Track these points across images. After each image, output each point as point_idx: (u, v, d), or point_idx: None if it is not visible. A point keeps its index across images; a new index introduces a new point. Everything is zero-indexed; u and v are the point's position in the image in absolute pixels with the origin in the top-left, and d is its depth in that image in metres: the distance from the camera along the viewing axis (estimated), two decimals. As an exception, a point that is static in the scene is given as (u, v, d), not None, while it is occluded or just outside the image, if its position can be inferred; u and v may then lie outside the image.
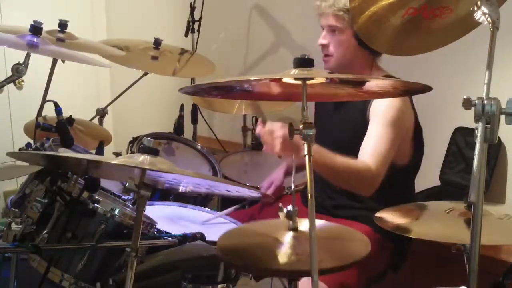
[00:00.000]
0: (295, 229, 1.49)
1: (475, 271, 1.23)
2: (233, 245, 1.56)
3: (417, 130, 2.09)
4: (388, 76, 2.08)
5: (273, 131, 1.71)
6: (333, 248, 1.52)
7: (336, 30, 2.05)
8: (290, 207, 1.49)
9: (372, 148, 1.93)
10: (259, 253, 1.48)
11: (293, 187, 1.62)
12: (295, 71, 1.34)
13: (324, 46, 2.08)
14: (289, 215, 1.49)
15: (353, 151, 1.98)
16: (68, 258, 1.60)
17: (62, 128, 1.96)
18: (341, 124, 2.12)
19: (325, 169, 1.80)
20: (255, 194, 1.91)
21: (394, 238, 2.04)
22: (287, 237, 1.48)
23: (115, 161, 1.35)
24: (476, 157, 1.13)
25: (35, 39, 1.84)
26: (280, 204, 1.51)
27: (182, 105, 2.95)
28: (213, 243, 1.68)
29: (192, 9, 3.34)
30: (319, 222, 1.52)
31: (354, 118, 2.06)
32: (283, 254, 1.42)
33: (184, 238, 1.67)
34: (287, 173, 2.41)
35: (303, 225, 1.50)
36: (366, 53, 2.06)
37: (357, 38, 2.01)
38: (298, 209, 1.49)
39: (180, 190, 2.10)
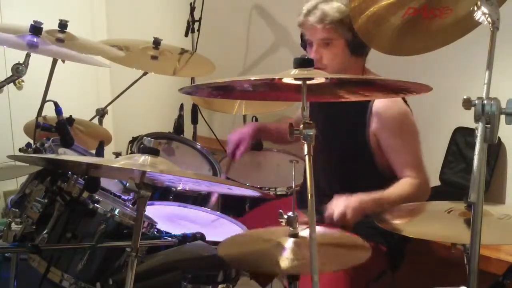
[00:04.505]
0: (295, 235, 1.50)
1: (475, 271, 1.23)
2: (235, 253, 1.58)
3: None
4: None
5: (344, 215, 1.79)
6: (334, 256, 1.52)
7: (329, 43, 2.01)
8: (290, 213, 1.49)
9: (409, 163, 1.98)
10: (261, 260, 1.49)
11: (293, 187, 1.63)
12: (295, 71, 1.34)
13: (316, 60, 2.01)
14: (289, 221, 1.49)
15: (348, 157, 2.02)
16: (68, 258, 1.60)
17: (62, 128, 1.96)
18: (332, 129, 2.09)
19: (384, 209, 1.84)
20: (255, 193, 1.91)
21: (389, 242, 2.05)
22: (288, 244, 1.49)
23: (116, 164, 1.35)
24: (476, 157, 1.13)
25: (35, 39, 1.84)
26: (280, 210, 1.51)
27: (182, 105, 2.94)
28: (213, 243, 1.68)
29: (192, 9, 3.34)
30: (318, 229, 1.53)
31: (349, 122, 2.05)
32: (285, 260, 1.43)
33: (184, 238, 1.67)
34: (255, 134, 2.41)
35: (303, 230, 1.50)
36: (357, 59, 2.06)
37: (349, 47, 2.00)
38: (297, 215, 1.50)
39: (180, 188, 2.11)
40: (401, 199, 1.89)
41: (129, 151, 2.54)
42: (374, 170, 2.04)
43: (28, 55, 1.80)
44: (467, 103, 1.15)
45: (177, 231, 1.73)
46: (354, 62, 2.06)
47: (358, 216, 1.82)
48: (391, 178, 2.00)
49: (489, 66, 1.16)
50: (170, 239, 1.66)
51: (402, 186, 1.95)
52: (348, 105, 1.96)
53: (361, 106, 2.00)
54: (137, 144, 2.46)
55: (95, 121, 2.84)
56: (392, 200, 1.88)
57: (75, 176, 1.63)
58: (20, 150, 1.97)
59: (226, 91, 1.56)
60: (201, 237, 1.70)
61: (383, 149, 2.01)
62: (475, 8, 1.22)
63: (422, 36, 1.45)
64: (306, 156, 1.27)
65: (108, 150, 2.50)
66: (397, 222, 1.63)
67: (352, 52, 2.02)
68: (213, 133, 3.48)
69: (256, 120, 3.09)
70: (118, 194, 1.86)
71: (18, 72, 1.76)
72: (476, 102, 1.14)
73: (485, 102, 1.13)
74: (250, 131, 2.38)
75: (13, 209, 1.64)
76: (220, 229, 2.00)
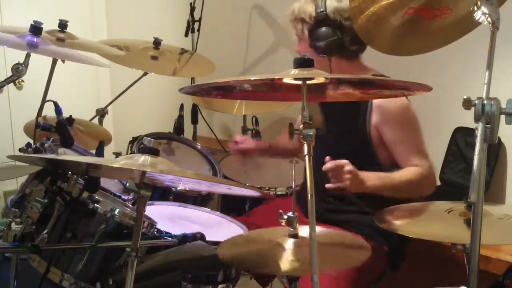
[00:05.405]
0: (295, 235, 1.50)
1: (475, 271, 1.23)
2: (235, 253, 1.57)
3: None
4: (377, 74, 2.07)
5: (342, 166, 1.78)
6: (334, 256, 1.52)
7: (300, 38, 2.07)
8: (290, 213, 1.49)
9: (413, 153, 1.98)
10: (261, 260, 1.49)
11: (293, 187, 1.62)
12: (295, 71, 1.34)
13: (298, 54, 2.06)
14: (289, 221, 1.49)
15: (349, 154, 1.99)
16: (68, 258, 1.60)
17: (62, 128, 1.96)
18: (332, 126, 2.07)
19: (387, 192, 1.85)
20: (255, 193, 1.91)
21: (389, 242, 2.04)
22: (288, 244, 1.49)
23: (116, 164, 1.35)
24: (476, 157, 1.13)
25: (35, 39, 1.84)
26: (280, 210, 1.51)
27: (182, 105, 2.94)
28: (213, 243, 1.68)
29: (192, 9, 3.35)
30: (318, 229, 1.52)
31: (349, 118, 2.05)
32: (285, 261, 1.43)
33: (184, 238, 1.67)
34: (262, 146, 2.45)
35: (303, 230, 1.50)
36: (323, 60, 2.03)
37: (313, 48, 2.01)
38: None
39: (180, 188, 2.11)
40: (406, 183, 1.90)
41: (129, 151, 2.54)
42: (375, 166, 2.04)
43: (28, 55, 1.79)
44: (467, 103, 1.15)
45: (177, 231, 1.73)
46: (328, 61, 2.05)
47: (357, 184, 1.82)
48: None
49: (489, 66, 1.16)
50: (170, 239, 1.66)
51: (407, 172, 1.96)
52: (348, 102, 1.97)
53: (361, 102, 2.00)
54: (137, 144, 2.46)
55: (95, 121, 2.84)
56: (396, 182, 1.90)
57: (75, 176, 1.63)
58: (20, 150, 1.97)
59: (226, 91, 1.56)
60: (201, 237, 1.70)
61: (386, 143, 2.02)
62: (475, 8, 1.22)
63: (422, 36, 1.45)
64: (306, 156, 1.27)
65: (108, 150, 2.50)
66: (397, 222, 1.63)
67: (319, 53, 2.02)
68: (213, 133, 3.48)
69: (256, 120, 3.09)
70: (118, 194, 1.86)
71: (18, 72, 1.76)
72: (476, 102, 1.14)
73: (485, 102, 1.13)
74: (256, 142, 2.42)
75: (13, 209, 1.64)
76: (220, 229, 2.00)
